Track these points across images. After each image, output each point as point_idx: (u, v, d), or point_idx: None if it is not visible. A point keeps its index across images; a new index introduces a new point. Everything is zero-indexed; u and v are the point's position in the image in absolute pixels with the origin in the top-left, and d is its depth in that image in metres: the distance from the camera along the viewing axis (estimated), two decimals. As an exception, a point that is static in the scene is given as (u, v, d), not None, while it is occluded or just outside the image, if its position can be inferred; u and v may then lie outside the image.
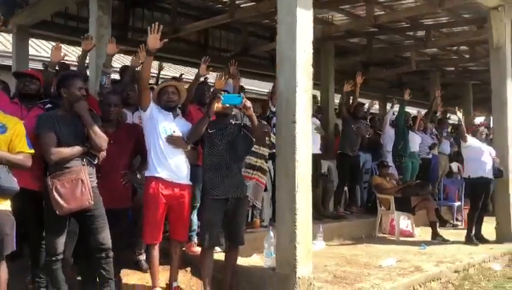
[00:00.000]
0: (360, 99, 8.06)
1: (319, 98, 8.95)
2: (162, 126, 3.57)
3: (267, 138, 5.81)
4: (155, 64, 10.66)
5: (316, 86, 9.53)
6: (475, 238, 6.50)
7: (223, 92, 3.69)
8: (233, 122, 3.85)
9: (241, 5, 7.78)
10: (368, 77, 13.45)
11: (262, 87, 12.61)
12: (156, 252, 3.55)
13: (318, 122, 6.78)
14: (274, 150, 5.91)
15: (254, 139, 3.84)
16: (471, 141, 6.44)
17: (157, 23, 3.39)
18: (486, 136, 7.05)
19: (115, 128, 3.64)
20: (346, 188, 7.46)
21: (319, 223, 6.33)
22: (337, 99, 10.49)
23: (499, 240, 6.52)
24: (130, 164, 3.77)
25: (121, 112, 3.83)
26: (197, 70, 5.03)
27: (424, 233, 7.01)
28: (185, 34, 8.67)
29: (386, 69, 13.13)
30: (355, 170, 7.33)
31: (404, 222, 7.13)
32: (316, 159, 6.54)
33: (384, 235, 7.05)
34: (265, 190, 5.92)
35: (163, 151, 3.53)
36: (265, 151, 5.73)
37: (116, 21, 8.68)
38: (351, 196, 7.53)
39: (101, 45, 5.34)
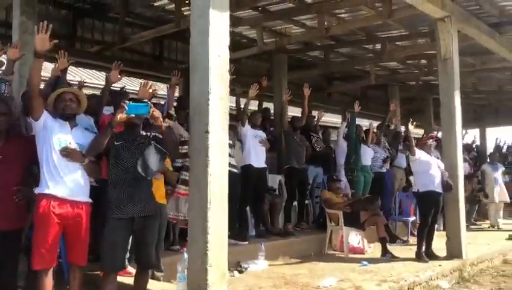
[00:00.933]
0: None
1: (272, 111, 8.74)
2: (57, 137, 3.21)
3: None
4: (101, 75, 10.37)
5: (269, 98, 9.44)
6: (425, 254, 6.28)
7: (127, 101, 3.36)
8: (143, 134, 3.53)
9: (186, 14, 7.50)
10: (331, 91, 13.55)
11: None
12: (48, 280, 3.14)
13: (263, 135, 6.50)
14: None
15: (167, 152, 3.52)
16: (419, 154, 6.25)
17: (45, 21, 3.05)
18: (436, 149, 6.90)
19: (3, 141, 3.27)
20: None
21: (263, 241, 6.05)
22: (294, 112, 10.48)
23: (450, 256, 6.32)
24: (24, 179, 3.38)
25: (11, 121, 3.44)
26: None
27: (376, 250, 6.75)
28: (133, 43, 8.37)
29: (349, 82, 13.08)
30: (303, 183, 7.07)
31: (356, 238, 6.88)
32: (260, 174, 6.28)
33: (335, 252, 6.78)
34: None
35: (56, 165, 3.16)
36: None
37: (65, 32, 8.39)
38: (300, 212, 7.25)
39: (25, 53, 5.00)
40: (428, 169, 6.16)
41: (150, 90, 3.90)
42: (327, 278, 5.02)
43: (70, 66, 4.72)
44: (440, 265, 5.91)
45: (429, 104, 13.62)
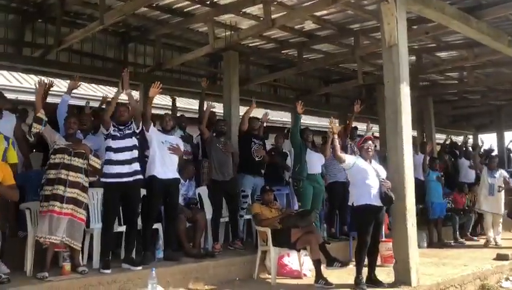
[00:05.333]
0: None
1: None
2: None
3: (88, 161, 4.76)
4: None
5: (219, 97, 8.62)
6: (368, 280, 5.23)
7: None
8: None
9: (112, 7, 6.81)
10: (320, 93, 12.54)
11: (190, 104, 11.64)
12: None
13: (176, 140, 5.66)
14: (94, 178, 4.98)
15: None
16: (349, 160, 5.22)
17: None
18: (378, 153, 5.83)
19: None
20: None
21: (170, 264, 5.20)
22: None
23: (397, 282, 5.22)
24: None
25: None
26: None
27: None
28: (68, 45, 7.72)
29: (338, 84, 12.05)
30: (233, 196, 6.15)
31: (295, 259, 5.90)
32: (168, 186, 5.44)
33: (269, 276, 5.78)
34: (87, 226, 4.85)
35: None
36: (80, 178, 4.65)
37: (12, 36, 7.93)
38: (234, 228, 6.31)
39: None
40: (365, 178, 5.12)
41: None
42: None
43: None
44: (377, 295, 4.84)
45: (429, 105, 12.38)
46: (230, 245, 6.23)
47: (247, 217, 6.44)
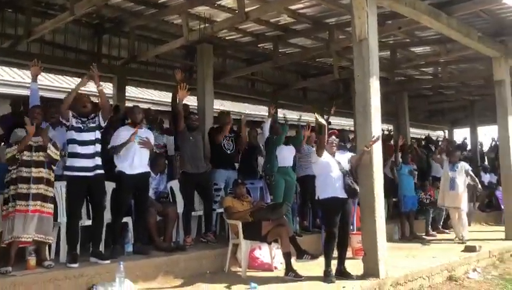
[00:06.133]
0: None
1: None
2: None
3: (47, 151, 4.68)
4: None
5: (194, 90, 8.56)
6: (337, 272, 5.29)
7: None
8: None
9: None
10: (297, 88, 12.57)
11: (162, 97, 11.54)
12: None
13: (147, 134, 5.61)
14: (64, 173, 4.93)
15: None
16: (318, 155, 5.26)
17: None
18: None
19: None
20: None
21: (139, 258, 5.17)
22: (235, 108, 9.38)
23: (366, 274, 5.29)
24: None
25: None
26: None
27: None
28: (39, 36, 7.56)
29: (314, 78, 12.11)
30: (205, 189, 6.14)
31: (266, 251, 5.92)
32: (137, 181, 5.39)
33: (239, 269, 5.79)
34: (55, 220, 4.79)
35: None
36: (43, 172, 4.58)
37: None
38: (207, 221, 6.30)
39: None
40: (329, 172, 5.19)
41: None
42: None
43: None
44: (344, 287, 4.89)
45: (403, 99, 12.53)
46: (202, 238, 6.21)
47: (220, 210, 6.42)
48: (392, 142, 11.62)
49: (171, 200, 6.12)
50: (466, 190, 8.36)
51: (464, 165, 8.38)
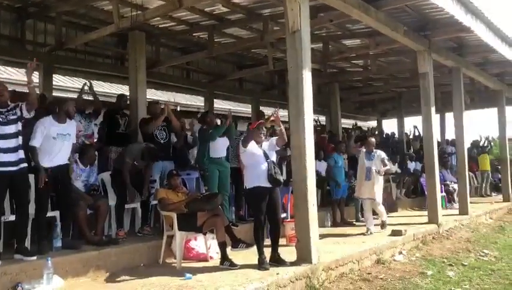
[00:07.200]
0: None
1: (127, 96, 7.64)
2: None
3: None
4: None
5: (123, 79, 8.35)
6: (271, 259, 5.38)
7: None
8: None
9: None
10: (232, 78, 12.57)
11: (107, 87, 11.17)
12: None
13: (71, 128, 5.35)
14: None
15: None
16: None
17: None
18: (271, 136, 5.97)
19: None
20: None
21: (68, 253, 4.98)
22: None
23: (299, 260, 5.43)
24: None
25: None
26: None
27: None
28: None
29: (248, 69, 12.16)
30: (138, 181, 6.01)
31: (201, 242, 5.91)
32: (58, 174, 5.16)
33: (174, 261, 5.73)
34: None
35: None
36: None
37: None
38: (144, 214, 6.18)
39: None
40: (255, 161, 5.30)
41: None
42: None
43: None
44: (278, 273, 4.99)
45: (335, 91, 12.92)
46: (139, 232, 6.09)
47: (154, 202, 6.32)
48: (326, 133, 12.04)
49: (102, 192, 5.93)
50: (382, 180, 7.98)
51: (380, 154, 7.94)
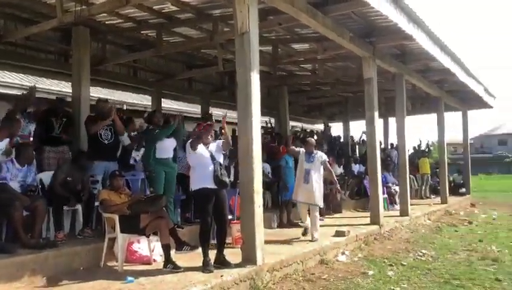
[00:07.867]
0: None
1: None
2: None
3: None
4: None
5: (68, 76, 8.02)
6: (216, 261, 5.34)
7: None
8: None
9: None
10: (181, 78, 12.41)
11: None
12: None
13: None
14: None
15: None
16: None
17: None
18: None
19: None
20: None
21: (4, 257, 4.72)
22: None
23: (244, 262, 5.43)
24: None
25: None
26: None
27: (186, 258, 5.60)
28: None
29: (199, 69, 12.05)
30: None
31: (145, 244, 5.77)
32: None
33: (116, 264, 5.57)
34: None
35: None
36: None
37: None
38: (86, 216, 5.96)
39: None
40: (201, 163, 5.29)
41: None
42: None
43: None
44: (222, 276, 4.96)
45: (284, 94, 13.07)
46: (79, 234, 5.87)
47: (96, 203, 6.12)
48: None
49: (40, 193, 5.66)
50: (322, 185, 7.51)
51: (320, 156, 7.50)
